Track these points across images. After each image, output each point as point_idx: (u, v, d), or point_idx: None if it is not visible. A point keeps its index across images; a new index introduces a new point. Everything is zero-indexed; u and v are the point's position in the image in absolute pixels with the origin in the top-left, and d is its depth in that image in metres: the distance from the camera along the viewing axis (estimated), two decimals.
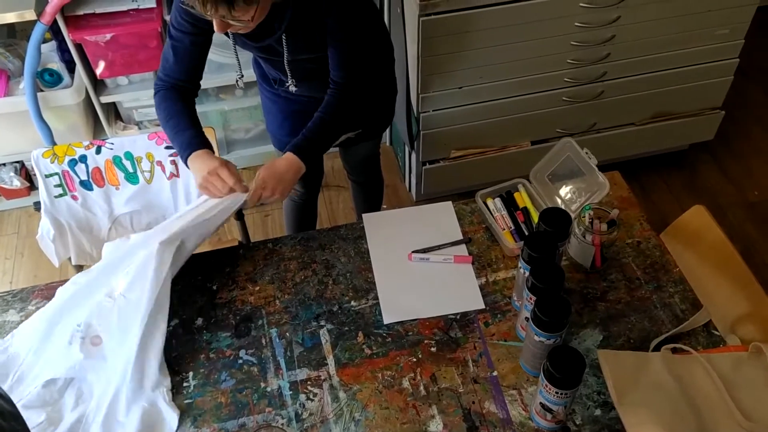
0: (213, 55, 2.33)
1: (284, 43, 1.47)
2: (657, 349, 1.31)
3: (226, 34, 1.48)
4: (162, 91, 1.52)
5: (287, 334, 1.39)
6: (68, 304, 1.35)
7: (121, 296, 1.32)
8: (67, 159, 1.73)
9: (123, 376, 1.27)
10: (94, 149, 1.74)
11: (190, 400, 1.30)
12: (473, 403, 1.27)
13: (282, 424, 1.26)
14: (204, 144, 1.47)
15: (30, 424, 1.21)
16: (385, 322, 1.40)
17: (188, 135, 1.46)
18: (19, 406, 1.18)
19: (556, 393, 1.14)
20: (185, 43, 1.47)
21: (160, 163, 1.75)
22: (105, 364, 1.30)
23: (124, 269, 1.35)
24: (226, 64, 2.38)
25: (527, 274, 1.25)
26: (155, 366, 1.30)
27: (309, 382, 1.31)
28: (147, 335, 1.29)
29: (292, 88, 1.58)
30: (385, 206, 2.59)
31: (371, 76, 1.62)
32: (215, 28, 1.30)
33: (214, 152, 1.49)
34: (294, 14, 1.41)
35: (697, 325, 1.36)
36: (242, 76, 1.62)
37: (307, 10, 1.42)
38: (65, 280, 1.49)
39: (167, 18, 2.21)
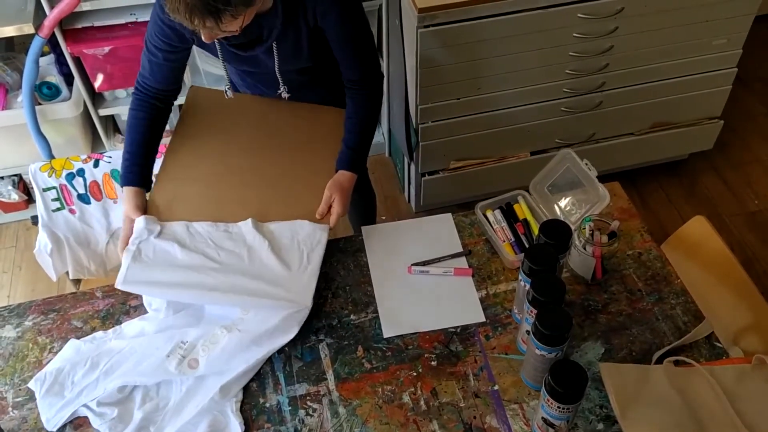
0: (209, 67, 2.34)
1: (275, 52, 1.47)
2: (659, 361, 1.31)
3: (214, 49, 1.48)
4: (138, 96, 1.54)
5: (286, 348, 1.37)
6: (183, 320, 1.39)
7: (236, 330, 1.35)
8: (64, 173, 1.72)
9: (205, 394, 1.28)
10: (91, 163, 1.73)
11: None
12: (474, 417, 1.26)
13: None
14: (139, 179, 1.50)
15: (104, 419, 1.27)
16: (385, 335, 1.39)
17: (129, 164, 1.51)
18: (95, 401, 1.28)
19: (558, 407, 1.13)
20: (159, 58, 1.49)
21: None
22: (188, 381, 1.31)
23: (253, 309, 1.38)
24: (223, 76, 2.37)
25: (528, 286, 1.24)
26: (238, 389, 1.31)
27: (308, 398, 1.30)
28: (248, 370, 1.32)
29: (285, 95, 1.59)
30: (384, 218, 2.59)
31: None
32: (203, 38, 1.30)
33: (148, 187, 1.52)
34: (284, 23, 1.41)
35: (699, 337, 1.35)
36: (230, 86, 1.62)
37: (297, 19, 1.42)
38: (62, 295, 1.49)
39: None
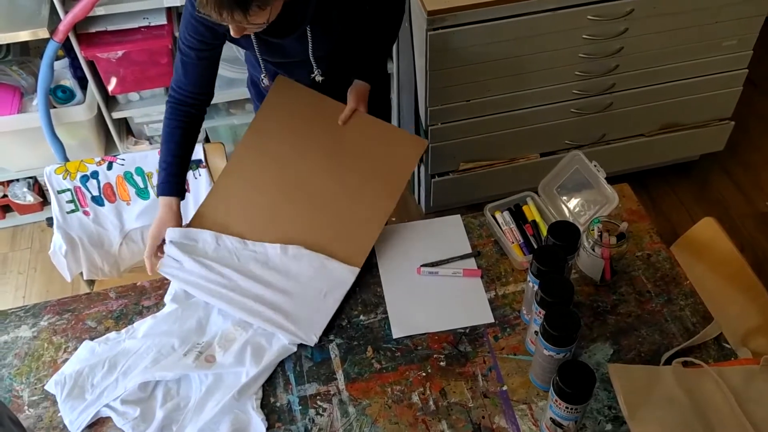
0: (223, 71, 2.36)
1: (309, 36, 1.49)
2: (668, 362, 1.31)
3: (248, 40, 1.49)
4: (172, 105, 1.55)
5: (296, 348, 1.39)
6: (194, 319, 1.43)
7: (252, 330, 1.40)
8: (79, 175, 1.75)
9: (224, 392, 1.30)
10: (105, 165, 1.76)
11: None
12: (483, 417, 1.27)
13: None
14: (176, 190, 1.54)
15: (126, 418, 1.28)
16: (395, 336, 1.40)
17: (164, 175, 1.54)
18: (118, 400, 1.30)
19: (567, 408, 1.14)
20: (192, 57, 1.49)
21: None
22: (206, 377, 1.34)
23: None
24: (236, 79, 2.40)
25: (536, 287, 1.25)
26: (257, 387, 1.33)
27: (318, 397, 1.32)
28: (263, 371, 1.34)
29: (318, 78, 1.60)
30: (393, 219, 2.60)
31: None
32: (232, 32, 1.31)
33: (183, 196, 1.55)
34: (318, 6, 1.42)
35: (708, 338, 1.35)
36: (266, 74, 1.64)
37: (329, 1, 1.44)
38: (77, 296, 1.51)
39: (177, 34, 2.23)
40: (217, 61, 1.55)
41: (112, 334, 1.42)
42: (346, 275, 1.47)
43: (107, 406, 1.30)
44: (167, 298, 1.47)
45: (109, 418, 1.30)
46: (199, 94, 1.56)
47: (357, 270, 1.47)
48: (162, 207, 1.52)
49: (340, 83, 1.63)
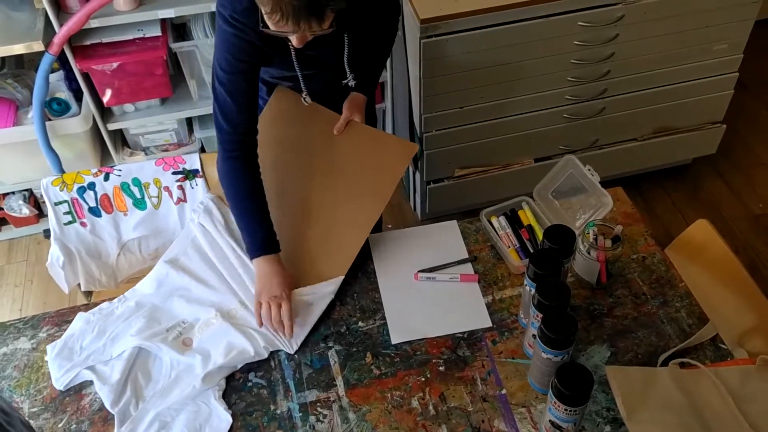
0: None
1: (346, 40, 1.50)
2: (665, 364, 1.32)
3: (288, 58, 1.49)
4: (230, 162, 1.47)
5: (296, 355, 1.40)
6: (191, 299, 1.50)
7: (229, 319, 1.45)
8: (75, 186, 1.75)
9: (189, 383, 1.34)
10: (102, 176, 1.76)
11: None
12: (483, 421, 1.28)
13: None
14: (272, 246, 1.46)
15: (106, 383, 1.35)
16: (393, 342, 1.41)
17: (259, 237, 1.46)
18: (103, 364, 1.38)
19: (565, 410, 1.14)
20: (240, 82, 1.42)
21: (167, 188, 1.77)
22: (178, 364, 1.39)
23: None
24: None
25: (533, 291, 1.26)
26: (221, 377, 1.38)
27: (318, 404, 1.32)
28: (228, 363, 1.38)
29: (351, 83, 1.61)
30: (390, 226, 2.61)
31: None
32: (296, 42, 1.32)
33: (279, 251, 1.48)
34: (354, 11, 1.41)
35: (704, 339, 1.36)
36: (306, 92, 1.62)
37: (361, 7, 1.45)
38: (74, 307, 1.51)
39: (173, 46, 2.24)
40: (258, 85, 1.51)
41: (105, 305, 1.50)
42: (329, 288, 1.49)
43: (91, 368, 1.38)
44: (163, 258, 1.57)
45: (90, 383, 1.38)
46: (252, 131, 1.48)
47: (340, 279, 1.50)
48: (276, 272, 1.43)
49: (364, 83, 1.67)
